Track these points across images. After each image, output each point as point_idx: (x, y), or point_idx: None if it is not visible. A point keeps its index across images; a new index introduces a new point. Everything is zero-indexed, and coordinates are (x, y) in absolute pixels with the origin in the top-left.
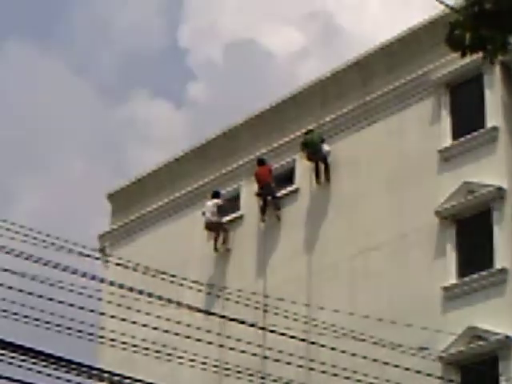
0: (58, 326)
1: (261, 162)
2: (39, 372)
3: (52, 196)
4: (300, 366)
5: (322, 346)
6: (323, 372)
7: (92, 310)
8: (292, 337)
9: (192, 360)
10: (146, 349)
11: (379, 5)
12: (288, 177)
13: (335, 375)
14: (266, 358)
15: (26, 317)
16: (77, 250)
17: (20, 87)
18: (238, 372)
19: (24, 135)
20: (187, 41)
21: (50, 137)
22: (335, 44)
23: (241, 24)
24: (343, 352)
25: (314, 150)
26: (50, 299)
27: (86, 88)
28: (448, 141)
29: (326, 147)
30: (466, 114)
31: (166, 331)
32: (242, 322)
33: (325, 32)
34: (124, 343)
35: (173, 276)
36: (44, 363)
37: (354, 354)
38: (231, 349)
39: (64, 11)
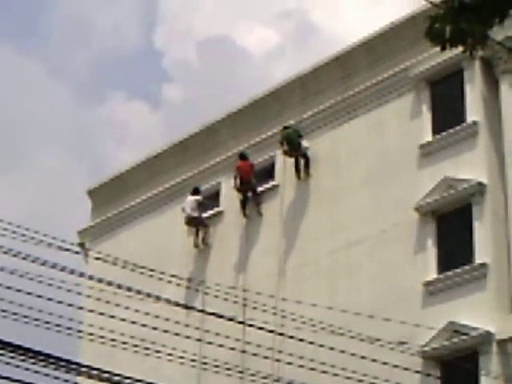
0: (44, 321)
1: (243, 156)
2: (27, 369)
3: (29, 194)
4: (282, 362)
5: (301, 340)
6: (302, 366)
7: (81, 307)
8: (271, 331)
9: (171, 355)
10: (125, 343)
11: (354, 2)
12: (268, 172)
13: (314, 369)
14: (243, 351)
15: (13, 313)
16: (63, 246)
17: None
18: (217, 366)
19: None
20: (163, 42)
21: (26, 136)
22: (310, 42)
23: (216, 24)
24: (322, 346)
25: (292, 145)
26: (39, 296)
27: (61, 88)
28: (428, 136)
29: (304, 143)
30: (446, 109)
31: (145, 325)
32: (221, 316)
33: (300, 30)
34: (103, 337)
35: (151, 270)
36: (33, 360)
37: (333, 348)
38: (210, 343)
39: (40, 12)
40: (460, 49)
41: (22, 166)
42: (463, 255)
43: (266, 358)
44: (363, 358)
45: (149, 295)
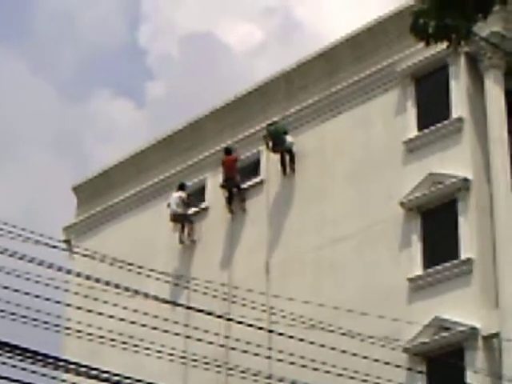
0: (32, 318)
1: (227, 150)
2: (14, 366)
3: (15, 191)
4: (267, 358)
5: (290, 337)
6: (291, 363)
7: (68, 305)
8: (259, 328)
9: (158, 351)
10: (113, 340)
11: None
12: (253, 168)
13: (302, 366)
14: (233, 349)
15: (0, 311)
16: (50, 243)
17: None
18: (205, 363)
19: None
20: (147, 39)
21: (12, 134)
22: (294, 39)
23: (199, 20)
24: (312, 343)
25: (277, 141)
26: (27, 293)
27: (46, 86)
28: (413, 132)
29: (289, 139)
30: (431, 104)
31: (133, 322)
32: (209, 314)
33: (283, 26)
34: (90, 334)
35: (139, 267)
36: (20, 357)
37: (323, 345)
38: (198, 340)
39: (24, 9)
40: (445, 44)
41: (8, 163)
42: (448, 251)
43: (256, 354)
44: (354, 354)
45: (136, 292)
